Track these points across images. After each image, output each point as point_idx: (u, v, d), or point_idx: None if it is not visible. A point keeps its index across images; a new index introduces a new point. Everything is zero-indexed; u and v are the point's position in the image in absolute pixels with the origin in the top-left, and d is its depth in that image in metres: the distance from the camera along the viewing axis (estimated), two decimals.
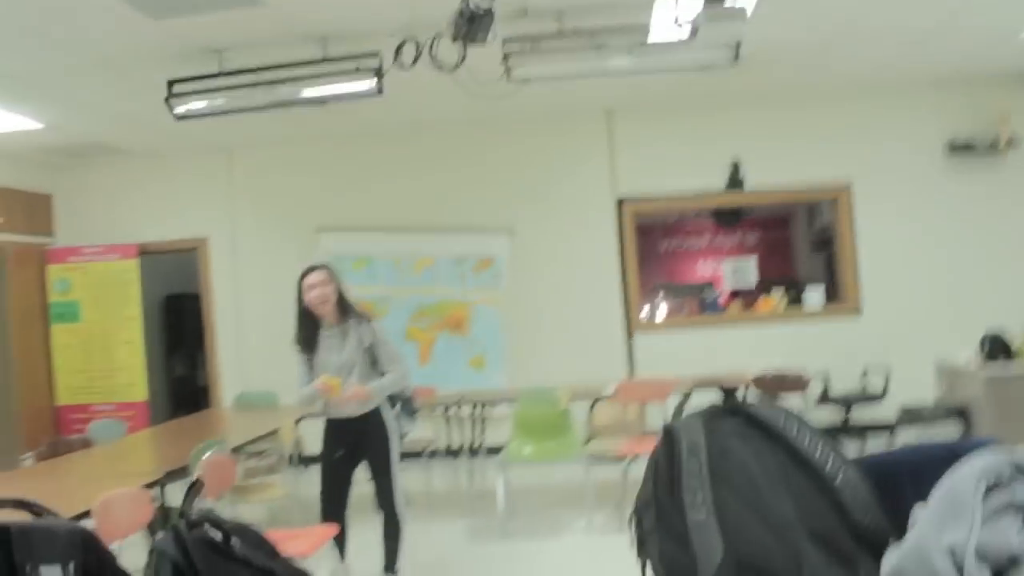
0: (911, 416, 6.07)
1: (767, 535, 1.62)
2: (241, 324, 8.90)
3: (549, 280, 8.54)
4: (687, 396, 1.56)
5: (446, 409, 6.86)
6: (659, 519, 1.68)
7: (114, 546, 3.60)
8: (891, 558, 1.38)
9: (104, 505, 3.51)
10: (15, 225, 8.42)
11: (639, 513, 1.75)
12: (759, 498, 1.67)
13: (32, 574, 1.59)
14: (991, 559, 1.27)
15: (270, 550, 1.96)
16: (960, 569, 1.26)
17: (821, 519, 1.67)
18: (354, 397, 4.55)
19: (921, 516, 1.39)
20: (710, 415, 1.83)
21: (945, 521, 1.33)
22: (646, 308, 9.27)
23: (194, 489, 3.92)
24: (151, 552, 1.63)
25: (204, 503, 4.38)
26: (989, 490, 1.35)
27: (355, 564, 4.81)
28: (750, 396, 6.22)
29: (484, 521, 6.20)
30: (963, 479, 1.37)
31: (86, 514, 3.51)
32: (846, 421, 7.85)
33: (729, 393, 1.75)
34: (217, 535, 1.85)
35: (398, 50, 5.78)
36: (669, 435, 1.77)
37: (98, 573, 1.76)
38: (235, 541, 1.87)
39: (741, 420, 1.82)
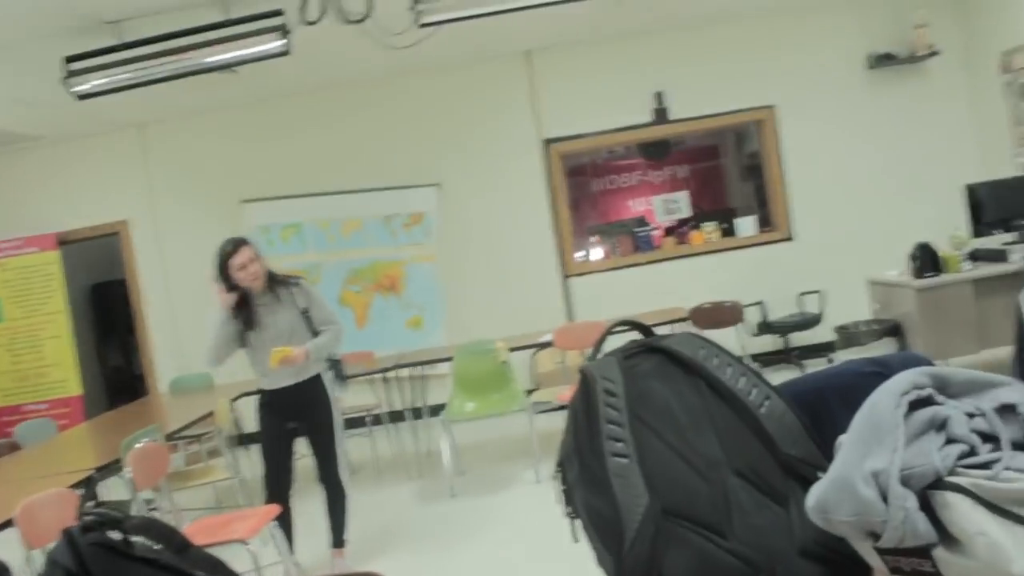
0: (846, 336, 6.10)
1: (693, 477, 1.55)
2: (172, 306, 8.67)
3: (481, 231, 8.43)
4: (604, 336, 1.51)
5: (385, 372, 6.74)
6: (581, 470, 1.61)
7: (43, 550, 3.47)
8: (816, 490, 1.32)
9: (27, 510, 3.37)
10: None
11: (562, 466, 1.68)
12: (682, 439, 1.60)
13: None
14: (915, 481, 1.21)
15: (180, 543, 1.84)
16: (885, 495, 1.20)
17: (748, 455, 1.61)
18: (297, 359, 4.40)
19: (844, 443, 1.33)
20: (626, 355, 1.75)
21: (867, 446, 1.26)
22: (582, 251, 9.22)
23: (89, 490, 3.77)
24: (46, 563, 1.51)
25: (139, 495, 4.25)
26: (912, 409, 1.30)
27: (302, 542, 4.71)
28: (688, 330, 6.19)
29: (432, 482, 6.14)
30: (883, 401, 1.31)
31: (8, 523, 3.37)
32: (786, 347, 7.91)
33: (646, 330, 1.68)
34: (117, 535, 1.73)
35: (303, 5, 5.58)
36: (585, 380, 1.70)
37: None
38: (137, 539, 1.75)
39: (659, 357, 1.74)
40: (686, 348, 1.77)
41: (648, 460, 1.56)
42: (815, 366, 7.59)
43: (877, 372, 1.96)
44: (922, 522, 1.20)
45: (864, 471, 1.24)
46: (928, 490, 1.22)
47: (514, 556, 4.56)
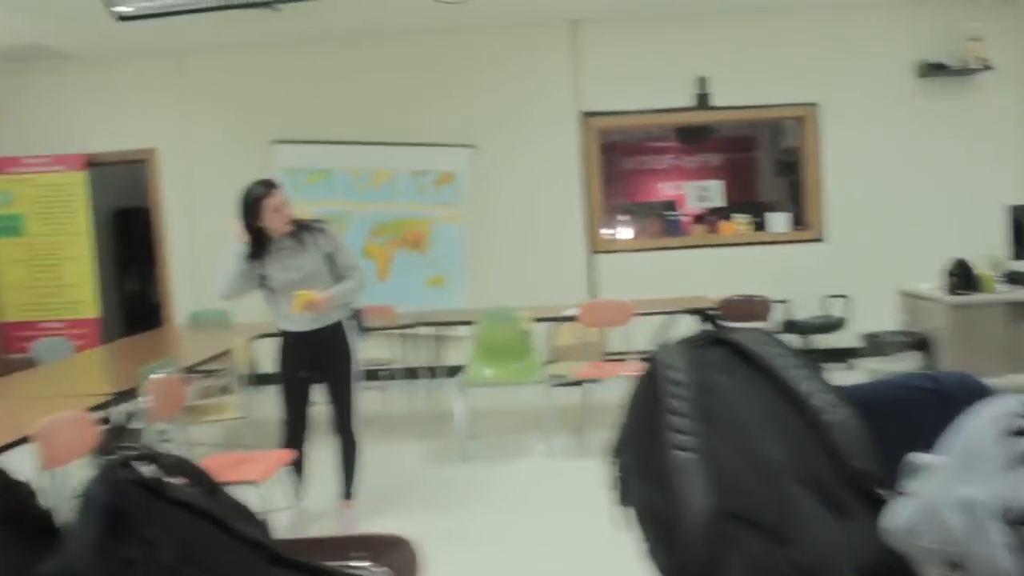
0: (874, 344, 6.03)
1: (756, 480, 1.49)
2: (193, 239, 8.63)
3: (511, 197, 8.36)
4: (667, 322, 1.44)
5: (404, 329, 6.71)
6: (639, 461, 1.56)
7: (57, 471, 3.45)
8: (901, 514, 1.26)
9: (46, 429, 3.34)
10: None
11: (618, 454, 1.63)
12: (746, 439, 1.55)
13: None
14: (1008, 515, 1.16)
15: (209, 484, 1.80)
16: (976, 526, 1.15)
17: (811, 462, 1.55)
18: (321, 304, 4.36)
19: (934, 467, 1.27)
20: (694, 345, 1.69)
21: (961, 473, 1.21)
22: (608, 228, 9.14)
23: (133, 420, 3.73)
24: (80, 497, 1.46)
25: (153, 425, 4.22)
26: (1007, 438, 1.24)
27: (310, 491, 4.68)
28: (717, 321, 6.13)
29: (442, 444, 6.12)
30: (979, 428, 1.25)
31: (26, 439, 3.34)
32: (806, 348, 7.83)
33: (710, 318, 1.61)
34: (149, 472, 1.67)
35: None
36: (651, 367, 1.64)
37: (16, 517, 1.59)
38: (172, 479, 1.70)
39: (726, 350, 1.69)
40: (753, 344, 1.72)
41: (712, 457, 1.51)
42: (834, 371, 7.54)
43: (930, 389, 1.91)
44: (1010, 559, 1.14)
45: (956, 499, 1.18)
46: (1018, 525, 1.16)
47: (522, 526, 4.54)
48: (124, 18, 5.91)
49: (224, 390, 6.30)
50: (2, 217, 8.39)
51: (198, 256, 8.56)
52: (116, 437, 3.92)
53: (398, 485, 5.31)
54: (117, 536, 1.42)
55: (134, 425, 4.01)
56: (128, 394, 4.31)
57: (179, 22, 6.27)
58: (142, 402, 4.06)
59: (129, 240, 10.45)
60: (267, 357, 5.27)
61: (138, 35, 7.29)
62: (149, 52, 8.40)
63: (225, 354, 5.84)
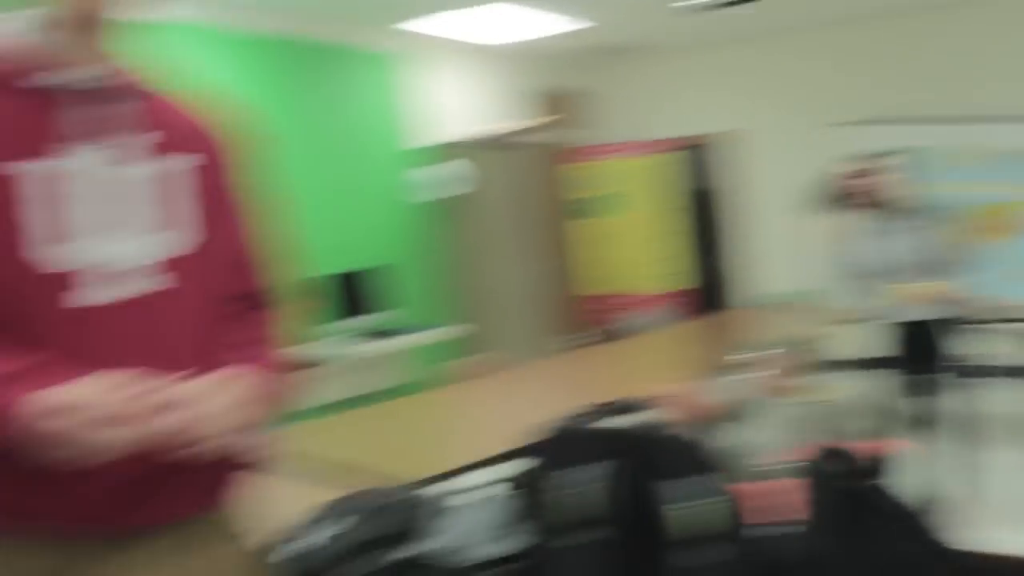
0: None
1: None
2: (768, 220, 8.70)
3: None
4: None
5: (1010, 323, 6.04)
6: None
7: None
8: None
9: (671, 396, 3.53)
10: (566, 122, 8.99)
11: None
12: None
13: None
14: None
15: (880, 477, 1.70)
16: None
17: None
18: (929, 295, 4.11)
19: None
20: None
21: None
22: None
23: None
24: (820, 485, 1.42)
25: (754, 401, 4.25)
26: None
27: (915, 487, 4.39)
28: None
29: None
30: None
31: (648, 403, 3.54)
32: None
33: None
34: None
35: None
36: None
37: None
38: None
39: None
40: None
41: None
42: None
43: None
44: None
45: None
46: None
47: None
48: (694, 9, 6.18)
49: (802, 372, 6.21)
50: (606, 197, 9.14)
51: (771, 236, 8.61)
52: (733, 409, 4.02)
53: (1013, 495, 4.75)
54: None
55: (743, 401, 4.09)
56: (730, 368, 4.40)
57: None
58: (749, 379, 4.13)
59: (708, 220, 10.82)
60: (851, 342, 5.09)
61: (710, 24, 7.67)
62: (718, 40, 8.67)
63: (804, 337, 5.75)
